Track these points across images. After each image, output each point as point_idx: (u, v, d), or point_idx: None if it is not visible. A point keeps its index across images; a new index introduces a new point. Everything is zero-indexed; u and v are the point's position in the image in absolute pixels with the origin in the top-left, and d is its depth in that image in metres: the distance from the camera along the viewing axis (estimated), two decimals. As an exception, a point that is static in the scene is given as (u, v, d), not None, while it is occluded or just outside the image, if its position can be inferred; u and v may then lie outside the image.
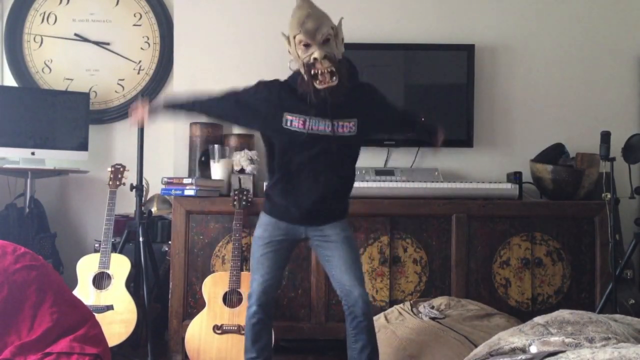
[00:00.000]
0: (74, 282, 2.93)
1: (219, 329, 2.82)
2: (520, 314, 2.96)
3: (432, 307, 2.76)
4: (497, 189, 3.12)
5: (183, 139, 3.46)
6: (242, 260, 2.98)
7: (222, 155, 3.25)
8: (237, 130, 3.42)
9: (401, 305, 2.84)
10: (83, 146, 3.54)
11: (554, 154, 3.31)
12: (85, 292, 2.89)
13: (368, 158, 3.27)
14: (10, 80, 3.78)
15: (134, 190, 3.09)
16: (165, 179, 3.07)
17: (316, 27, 2.09)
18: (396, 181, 3.16)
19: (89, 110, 3.60)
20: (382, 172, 3.28)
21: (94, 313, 2.20)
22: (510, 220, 3.09)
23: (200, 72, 3.53)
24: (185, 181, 3.03)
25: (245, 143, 3.38)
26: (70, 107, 3.53)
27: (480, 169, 3.49)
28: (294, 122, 2.18)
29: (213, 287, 2.89)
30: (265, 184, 3.07)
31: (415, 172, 3.30)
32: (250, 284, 2.27)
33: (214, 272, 3.02)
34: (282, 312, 3.00)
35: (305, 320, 3.04)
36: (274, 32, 3.45)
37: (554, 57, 3.54)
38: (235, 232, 2.94)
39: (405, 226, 3.07)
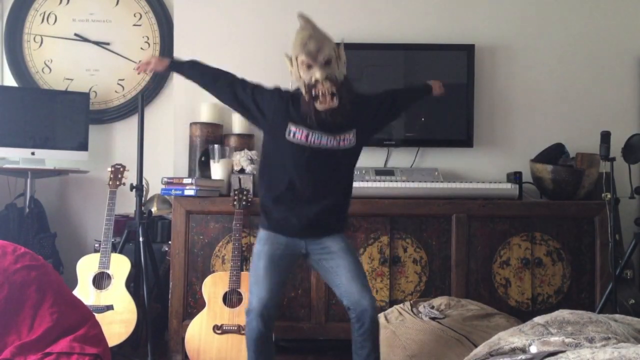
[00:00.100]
0: (74, 282, 2.93)
1: (219, 329, 2.82)
2: (520, 314, 2.96)
3: (432, 307, 2.75)
4: (497, 189, 3.12)
5: (183, 139, 3.46)
6: (242, 260, 2.98)
7: (222, 155, 3.25)
8: (237, 130, 3.42)
9: (401, 305, 2.84)
10: (83, 146, 3.54)
11: (554, 154, 3.31)
12: (85, 292, 2.89)
13: (368, 158, 3.27)
14: (10, 80, 3.78)
15: (134, 190, 3.09)
16: (165, 179, 3.07)
17: (318, 49, 2.11)
18: (396, 181, 3.15)
19: (89, 110, 3.60)
20: (382, 172, 3.28)
21: (94, 313, 2.20)
22: (510, 220, 3.09)
23: (200, 72, 3.52)
24: (185, 181, 3.03)
25: (245, 143, 3.38)
26: (70, 107, 3.53)
27: (480, 169, 3.49)
28: (297, 134, 2.19)
29: (213, 287, 2.89)
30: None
31: (415, 172, 3.30)
32: (249, 298, 2.21)
33: (214, 272, 3.02)
34: (282, 312, 2.99)
35: (305, 320, 3.04)
36: (273, 32, 3.49)
37: (554, 57, 3.54)
38: (235, 232, 2.94)
39: (405, 226, 3.07)
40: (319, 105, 2.12)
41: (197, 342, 2.81)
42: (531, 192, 3.37)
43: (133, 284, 3.05)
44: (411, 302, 2.85)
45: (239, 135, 3.40)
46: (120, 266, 2.96)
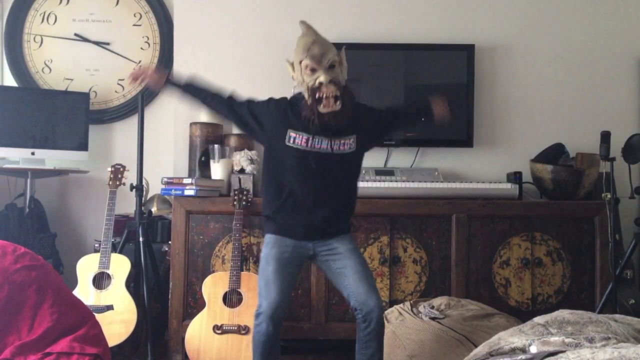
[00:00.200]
0: (74, 282, 2.93)
1: (219, 329, 2.82)
2: (520, 314, 2.96)
3: (432, 307, 2.76)
4: (497, 189, 3.12)
5: (183, 139, 3.46)
6: (242, 260, 2.98)
7: (222, 155, 3.25)
8: (237, 130, 3.42)
9: (401, 305, 2.84)
10: (83, 146, 3.54)
11: (554, 154, 3.31)
12: (85, 292, 2.89)
13: (368, 158, 3.20)
14: (10, 80, 3.78)
15: (134, 190, 3.09)
16: (165, 179, 3.07)
17: (322, 53, 2.14)
18: (396, 181, 3.16)
19: (89, 110, 3.60)
20: (382, 172, 3.28)
21: (94, 313, 2.20)
22: (510, 220, 3.09)
23: (200, 72, 3.51)
24: (185, 181, 3.03)
25: (245, 143, 3.38)
26: (70, 107, 3.53)
27: (480, 169, 3.49)
28: (297, 139, 2.21)
29: (213, 287, 2.89)
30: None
31: (415, 172, 3.30)
32: (259, 301, 2.21)
33: (214, 272, 3.02)
34: (282, 312, 3.00)
35: (305, 320, 3.04)
36: (273, 32, 3.49)
37: (554, 58, 3.54)
38: (235, 232, 2.94)
39: (405, 226, 3.07)
40: (322, 109, 2.14)
41: (197, 342, 2.81)
42: (531, 192, 3.37)
43: (133, 284, 3.05)
44: (411, 302, 2.85)
45: (239, 135, 3.40)
46: (120, 266, 2.96)
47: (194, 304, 3.03)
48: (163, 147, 3.68)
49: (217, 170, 3.24)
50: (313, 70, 2.15)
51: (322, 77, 2.12)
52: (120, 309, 2.88)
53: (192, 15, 3.53)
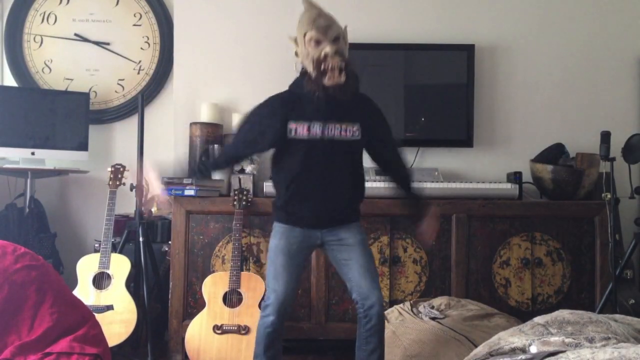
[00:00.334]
0: (74, 282, 2.93)
1: (219, 329, 2.82)
2: (520, 314, 2.96)
3: (432, 307, 2.76)
4: (497, 189, 3.12)
5: (183, 139, 3.46)
6: (242, 260, 2.98)
7: (222, 155, 3.25)
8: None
9: (401, 305, 2.84)
10: (83, 146, 3.54)
11: (554, 154, 3.31)
12: (85, 292, 2.89)
13: (368, 158, 3.26)
14: (10, 80, 3.78)
15: (134, 190, 3.09)
16: (165, 179, 3.07)
17: (328, 25, 2.15)
18: (396, 181, 3.15)
19: (89, 110, 3.60)
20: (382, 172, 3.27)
21: (94, 313, 2.20)
22: (510, 220, 3.09)
23: (200, 72, 3.54)
24: (185, 181, 3.03)
25: (245, 143, 3.38)
26: (70, 107, 3.53)
27: (480, 169, 3.49)
28: (298, 129, 2.19)
29: (213, 287, 2.89)
30: (265, 184, 3.09)
31: (415, 172, 3.27)
32: (267, 293, 2.22)
33: (214, 272, 3.02)
34: (282, 312, 3.00)
35: (305, 320, 3.03)
36: (273, 32, 3.49)
37: (554, 58, 3.54)
38: (235, 232, 2.94)
39: (405, 226, 3.07)
40: (327, 81, 2.12)
41: (197, 342, 2.81)
42: (531, 192, 3.37)
43: (133, 284, 3.05)
44: (411, 302, 2.85)
45: (239, 135, 3.40)
46: (120, 266, 2.96)
47: (194, 304, 3.03)
48: (163, 147, 3.68)
49: (217, 170, 3.24)
50: (318, 43, 2.14)
51: (327, 48, 2.11)
52: (120, 309, 2.88)
53: (192, 15, 3.53)
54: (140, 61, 3.80)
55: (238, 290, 2.87)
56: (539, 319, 1.78)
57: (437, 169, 3.35)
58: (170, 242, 3.12)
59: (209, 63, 3.53)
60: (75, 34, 3.79)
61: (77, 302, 2.09)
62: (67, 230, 3.72)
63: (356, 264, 2.22)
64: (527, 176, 3.27)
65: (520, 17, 3.54)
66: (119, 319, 2.85)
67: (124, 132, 3.77)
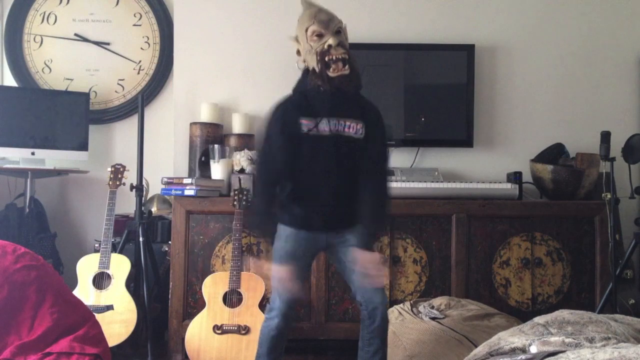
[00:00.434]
0: (74, 282, 2.93)
1: (219, 329, 2.82)
2: (520, 314, 2.96)
3: (432, 307, 2.76)
4: (497, 189, 3.12)
5: (183, 139, 3.46)
6: (242, 260, 2.98)
7: (222, 155, 3.25)
8: (237, 130, 3.42)
9: (401, 305, 2.84)
10: (83, 146, 3.54)
11: (554, 154, 3.31)
12: (85, 292, 2.90)
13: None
14: (10, 80, 3.78)
15: (134, 190, 3.09)
16: (165, 179, 3.07)
17: (329, 18, 2.16)
18: (396, 181, 3.15)
19: (89, 110, 3.60)
20: (382, 172, 3.27)
21: (94, 313, 2.20)
22: (510, 220, 3.09)
23: (200, 72, 3.53)
24: (185, 181, 3.03)
25: (245, 143, 3.38)
26: (70, 107, 3.53)
27: (480, 169, 3.49)
28: (308, 125, 2.15)
29: (213, 287, 2.89)
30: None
31: (415, 172, 3.30)
32: (272, 297, 2.20)
33: (214, 272, 3.02)
34: (282, 312, 2.99)
35: (305, 320, 3.03)
36: (273, 32, 3.49)
37: (554, 57, 3.54)
38: (235, 232, 2.94)
39: (405, 226, 3.07)
40: (331, 73, 2.12)
41: (197, 342, 2.81)
42: (531, 192, 3.37)
43: (133, 284, 3.05)
44: (411, 302, 2.85)
45: (239, 135, 3.40)
46: (120, 266, 2.96)
47: (194, 304, 3.03)
48: (163, 147, 3.69)
49: (217, 170, 3.24)
50: (320, 36, 2.14)
51: (330, 40, 2.12)
52: (120, 309, 2.88)
53: (192, 15, 3.53)
54: (140, 61, 3.80)
55: (238, 290, 2.88)
56: (539, 319, 1.79)
57: (437, 169, 3.35)
58: (170, 242, 3.12)
59: (209, 63, 3.53)
60: (75, 34, 3.79)
61: (77, 302, 2.09)
62: (67, 230, 3.72)
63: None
64: (527, 176, 3.27)
65: (520, 17, 3.54)
66: (119, 319, 2.86)
67: (124, 132, 3.78)
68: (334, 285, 3.03)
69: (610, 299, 2.73)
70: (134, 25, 3.81)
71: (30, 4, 3.78)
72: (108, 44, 3.80)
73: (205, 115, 3.41)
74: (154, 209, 3.47)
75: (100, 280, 2.94)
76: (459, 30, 3.51)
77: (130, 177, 3.14)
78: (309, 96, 2.17)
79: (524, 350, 1.57)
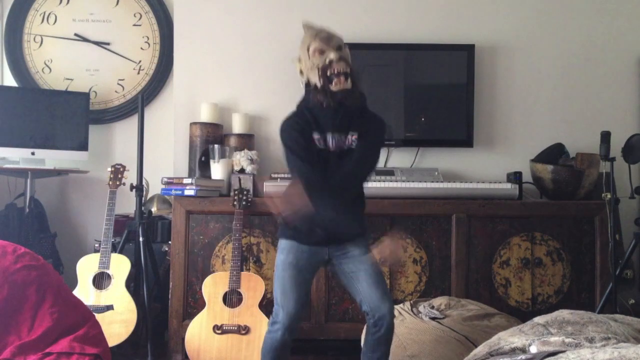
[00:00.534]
0: (74, 282, 2.93)
1: (219, 329, 2.82)
2: (520, 314, 2.96)
3: (432, 307, 2.75)
4: (497, 189, 3.12)
5: (183, 139, 3.46)
6: (242, 260, 2.98)
7: (222, 155, 3.25)
8: (237, 130, 3.42)
9: (401, 305, 2.84)
10: (83, 146, 3.54)
11: (554, 154, 3.31)
12: (85, 292, 2.90)
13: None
14: (10, 80, 3.78)
15: (134, 190, 3.09)
16: (165, 179, 3.07)
17: (330, 36, 2.18)
18: (396, 181, 3.15)
19: (89, 110, 3.60)
20: (382, 172, 3.28)
21: (94, 313, 2.20)
22: (510, 220, 3.09)
23: (200, 72, 3.53)
24: (185, 181, 3.03)
25: (245, 143, 3.38)
26: (70, 107, 3.53)
27: (480, 169, 3.49)
28: (319, 140, 2.16)
29: (213, 287, 2.89)
30: (265, 184, 3.09)
31: (415, 172, 3.30)
32: (275, 309, 2.20)
33: (214, 272, 3.02)
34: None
35: (305, 320, 3.03)
36: (275, 32, 3.49)
37: (554, 58, 3.54)
38: (235, 232, 2.94)
39: (405, 226, 3.07)
40: (333, 87, 2.12)
41: (197, 342, 2.81)
42: (531, 192, 3.37)
43: (133, 284, 3.05)
44: (411, 302, 2.85)
45: (239, 135, 3.40)
46: (120, 266, 2.96)
47: (194, 304, 3.03)
48: (163, 147, 3.69)
49: (217, 170, 3.24)
50: (322, 52, 2.15)
51: (332, 55, 2.13)
52: (120, 309, 2.88)
53: (192, 15, 3.53)
54: (140, 61, 3.80)
55: (238, 290, 2.88)
56: (539, 319, 1.79)
57: (437, 169, 3.35)
58: (170, 242, 3.12)
59: (209, 63, 3.53)
60: (75, 34, 3.79)
61: (77, 302, 2.09)
62: (67, 230, 3.72)
63: (365, 275, 2.18)
64: (527, 176, 3.27)
65: (520, 17, 3.54)
66: (119, 319, 2.86)
67: (124, 132, 3.78)
68: (334, 285, 3.03)
69: (610, 299, 2.73)
70: (134, 25, 3.81)
71: (30, 4, 3.78)
72: (108, 44, 3.80)
73: (205, 115, 3.41)
74: (154, 209, 3.48)
75: (100, 280, 2.94)
76: (459, 30, 3.51)
77: (130, 177, 3.14)
78: (314, 113, 2.18)
79: (524, 350, 1.57)
